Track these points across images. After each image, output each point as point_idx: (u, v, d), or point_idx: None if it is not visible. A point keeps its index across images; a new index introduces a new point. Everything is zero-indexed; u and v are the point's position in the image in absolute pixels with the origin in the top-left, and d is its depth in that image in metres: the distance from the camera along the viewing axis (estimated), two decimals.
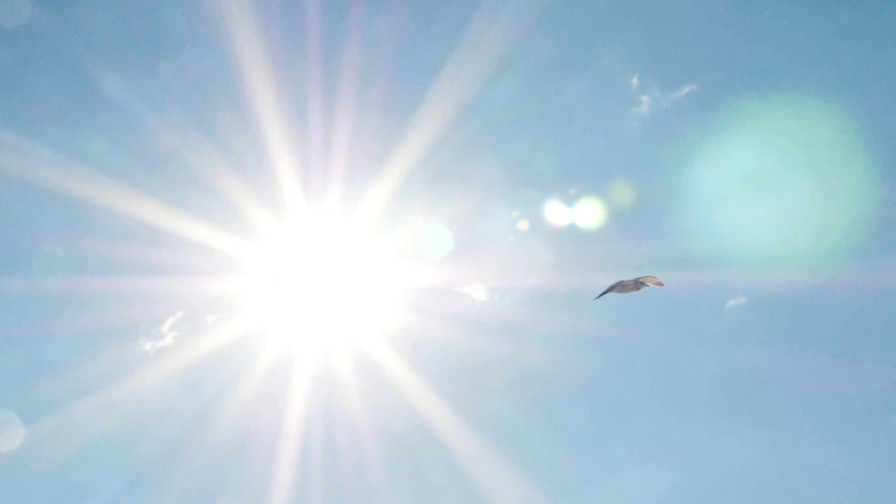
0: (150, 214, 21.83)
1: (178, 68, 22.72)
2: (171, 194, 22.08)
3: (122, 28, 22.46)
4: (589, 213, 22.37)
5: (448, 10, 22.22)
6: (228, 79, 22.36)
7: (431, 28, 22.70)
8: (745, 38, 21.70)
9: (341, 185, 22.07)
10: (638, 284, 14.24)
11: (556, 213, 22.34)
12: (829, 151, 21.23)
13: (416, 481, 20.98)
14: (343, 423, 21.45)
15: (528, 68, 22.30)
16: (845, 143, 20.93)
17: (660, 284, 14.41)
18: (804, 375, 20.35)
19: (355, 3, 22.13)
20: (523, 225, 22.37)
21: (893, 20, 20.42)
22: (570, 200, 22.25)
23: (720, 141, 21.81)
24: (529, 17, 21.48)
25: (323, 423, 21.70)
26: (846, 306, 20.99)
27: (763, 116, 21.43)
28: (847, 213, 20.69)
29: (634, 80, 22.04)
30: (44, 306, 22.27)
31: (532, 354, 21.65)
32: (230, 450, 21.34)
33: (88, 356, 22.13)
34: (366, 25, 21.96)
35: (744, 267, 21.06)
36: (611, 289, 14.07)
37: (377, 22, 22.15)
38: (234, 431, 21.57)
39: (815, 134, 21.42)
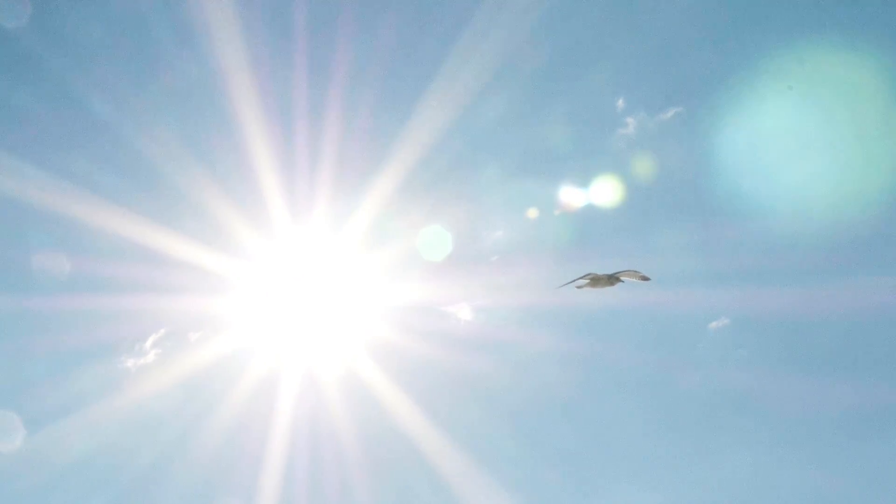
0: (135, 232, 21.75)
1: (164, 86, 22.69)
2: (157, 212, 22.03)
3: (109, 46, 22.41)
4: (573, 232, 22.54)
5: (434, 29, 22.34)
6: (215, 96, 22.34)
7: (418, 48, 22.82)
8: (730, 63, 21.95)
9: (327, 203, 22.10)
10: (612, 280, 13.87)
11: (541, 233, 22.50)
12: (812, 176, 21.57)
13: (400, 498, 21.02)
14: (328, 441, 21.45)
15: (514, 90, 22.46)
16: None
17: (645, 279, 14.05)
18: (787, 396, 20.56)
19: (342, 20, 22.20)
20: (507, 245, 22.52)
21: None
22: (554, 221, 22.41)
23: (704, 162, 22.08)
24: (516, 40, 21.62)
25: (308, 441, 21.68)
26: (828, 326, 21.22)
27: (748, 139, 21.71)
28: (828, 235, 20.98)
29: (620, 102, 22.27)
30: (28, 324, 22.13)
31: (516, 373, 21.77)
32: (215, 468, 21.27)
33: (71, 374, 22.01)
34: (353, 42, 22.04)
35: (727, 286, 21.24)
36: (580, 280, 13.74)
37: (364, 38, 22.23)
38: (218, 449, 21.51)
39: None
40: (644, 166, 22.74)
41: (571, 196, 22.87)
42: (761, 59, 21.70)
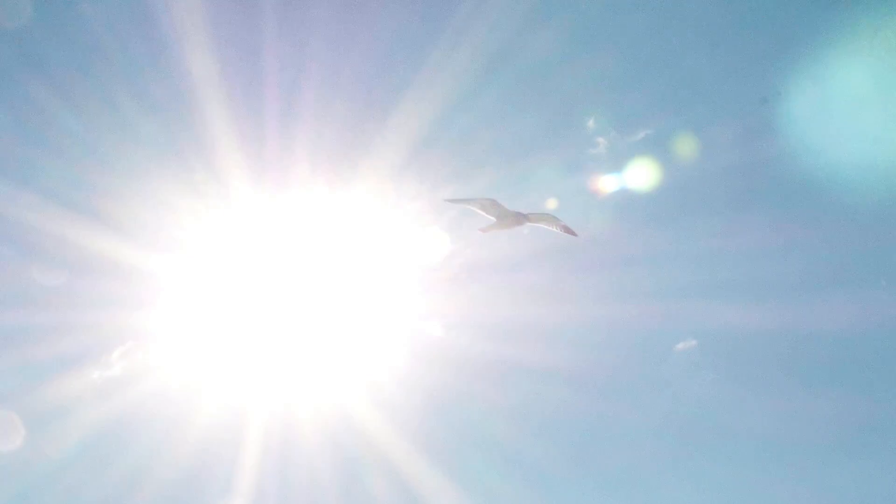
0: (102, 244, 21.46)
1: (129, 95, 22.26)
2: (123, 224, 21.72)
3: (72, 55, 21.92)
4: (542, 248, 22.68)
5: (407, 41, 22.20)
6: (182, 105, 21.96)
7: (389, 60, 22.69)
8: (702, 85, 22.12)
9: (298, 214, 21.97)
10: (520, 218, 12.93)
11: (511, 248, 22.62)
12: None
13: None
14: (299, 458, 21.52)
15: (482, 106, 22.45)
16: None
17: (570, 233, 13.25)
18: (756, 417, 20.88)
19: (313, 34, 21.95)
20: (477, 260, 22.60)
21: None
22: (524, 237, 22.53)
23: (675, 181, 22.28)
24: (485, 55, 21.55)
25: (278, 455, 21.75)
26: (799, 345, 21.42)
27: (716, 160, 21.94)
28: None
29: (591, 122, 22.37)
30: None
31: (486, 389, 21.97)
32: (185, 483, 21.25)
33: (36, 388, 21.75)
34: (324, 59, 21.81)
35: (694, 303, 21.41)
36: (484, 213, 12.87)
37: (335, 54, 22.03)
38: (188, 462, 21.48)
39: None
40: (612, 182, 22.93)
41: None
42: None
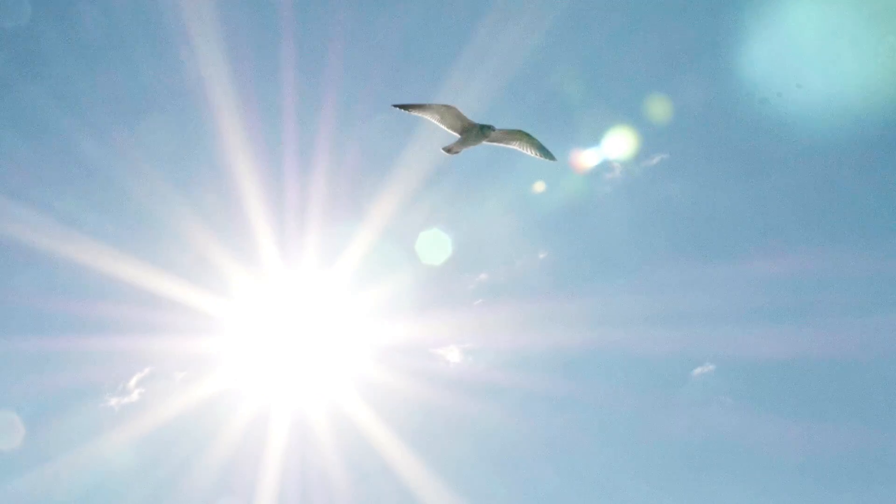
0: (123, 272, 21.61)
1: (156, 130, 22.58)
2: (146, 252, 21.92)
3: (101, 90, 22.29)
4: (558, 276, 22.92)
5: (425, 69, 22.52)
6: (206, 140, 22.30)
7: (406, 88, 23.03)
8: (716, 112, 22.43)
9: (317, 244, 22.15)
10: (485, 131, 11.65)
11: (525, 276, 22.83)
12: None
13: None
14: (318, 482, 21.49)
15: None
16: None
17: (548, 156, 11.95)
18: (773, 442, 20.87)
19: (329, 62, 22.26)
20: (492, 288, 22.80)
21: None
22: (540, 264, 22.77)
23: (687, 207, 22.57)
24: (499, 86, 21.81)
25: (298, 482, 21.69)
26: (814, 371, 21.46)
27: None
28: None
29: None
30: (11, 364, 21.85)
31: (503, 415, 22.04)
32: None
33: (56, 415, 21.82)
34: (340, 89, 22.10)
35: (712, 329, 21.48)
36: (428, 112, 11.59)
37: (351, 86, 22.32)
38: (207, 490, 21.44)
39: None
40: (626, 210, 23.21)
41: (556, 238, 23.30)
42: None
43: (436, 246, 21.93)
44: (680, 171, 22.82)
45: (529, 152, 12.12)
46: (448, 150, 12.16)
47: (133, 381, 22.35)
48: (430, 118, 11.84)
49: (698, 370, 21.24)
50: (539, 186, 21.57)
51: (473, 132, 11.80)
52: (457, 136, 11.99)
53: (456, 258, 22.64)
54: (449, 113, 11.75)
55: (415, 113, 11.75)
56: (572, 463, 21.95)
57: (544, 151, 12.18)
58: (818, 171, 22.45)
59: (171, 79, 22.39)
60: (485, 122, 11.99)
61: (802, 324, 20.85)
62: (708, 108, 22.15)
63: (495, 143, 12.14)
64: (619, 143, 20.79)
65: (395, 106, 11.68)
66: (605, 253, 23.10)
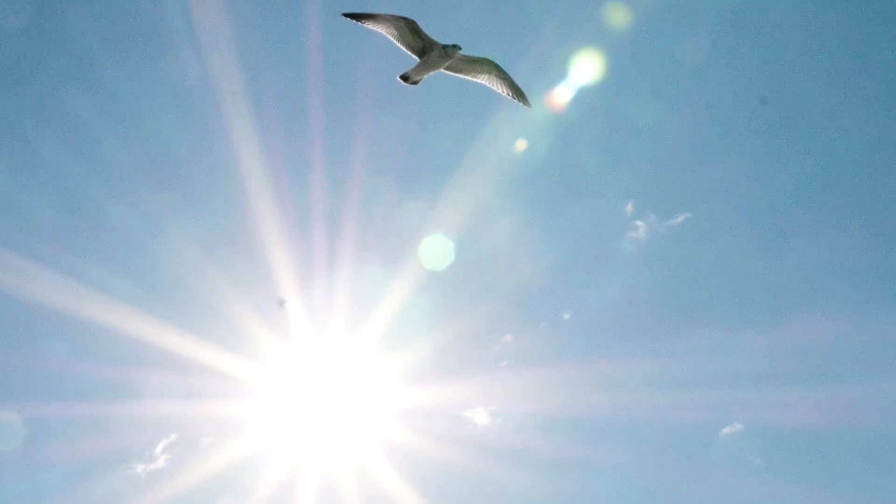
0: (151, 336, 21.72)
1: (183, 193, 22.99)
2: (170, 315, 22.07)
3: (133, 157, 22.74)
4: (583, 337, 22.95)
5: (448, 139, 22.89)
6: (231, 198, 22.65)
7: (433, 157, 23.39)
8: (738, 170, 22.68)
9: (344, 308, 22.27)
10: (449, 51, 10.27)
11: (551, 337, 22.88)
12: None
13: None
14: None
15: (525, 198, 23.02)
16: None
17: (522, 100, 10.76)
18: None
19: (358, 125, 22.61)
20: (517, 350, 22.83)
21: None
22: (564, 325, 22.83)
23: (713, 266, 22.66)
24: (515, 149, 22.08)
25: None
26: (847, 434, 21.22)
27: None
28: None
29: (629, 207, 22.86)
30: (38, 432, 21.83)
31: (532, 479, 21.83)
32: None
33: (84, 482, 21.71)
34: (368, 154, 22.45)
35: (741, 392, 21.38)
36: (383, 24, 10.24)
37: (378, 151, 22.66)
38: None
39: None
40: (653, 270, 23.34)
41: (581, 299, 23.38)
42: None
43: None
44: (706, 231, 23.01)
45: (500, 89, 10.88)
46: (405, 77, 10.87)
47: (160, 448, 22.32)
48: (386, 32, 10.56)
49: (726, 429, 21.16)
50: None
51: (435, 52, 10.47)
52: (416, 59, 10.69)
53: (480, 318, 22.78)
54: (407, 27, 10.48)
55: (368, 25, 10.46)
56: None
57: (517, 91, 10.94)
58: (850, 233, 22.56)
59: (202, 147, 22.86)
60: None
61: (834, 390, 20.75)
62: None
63: (460, 75, 10.82)
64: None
65: (345, 15, 10.40)
66: (630, 315, 23.13)
